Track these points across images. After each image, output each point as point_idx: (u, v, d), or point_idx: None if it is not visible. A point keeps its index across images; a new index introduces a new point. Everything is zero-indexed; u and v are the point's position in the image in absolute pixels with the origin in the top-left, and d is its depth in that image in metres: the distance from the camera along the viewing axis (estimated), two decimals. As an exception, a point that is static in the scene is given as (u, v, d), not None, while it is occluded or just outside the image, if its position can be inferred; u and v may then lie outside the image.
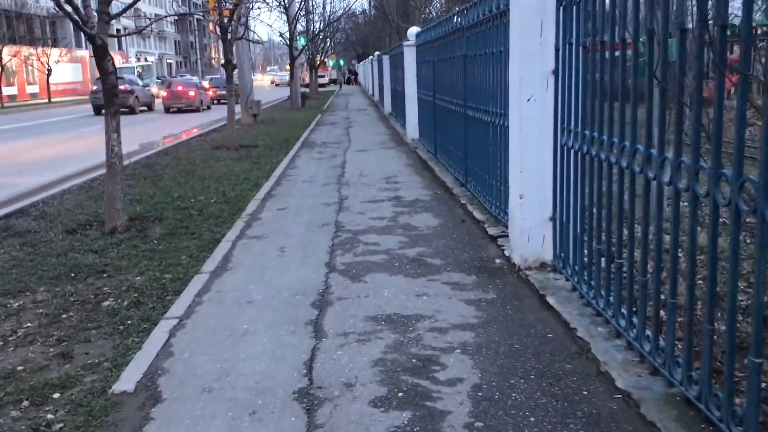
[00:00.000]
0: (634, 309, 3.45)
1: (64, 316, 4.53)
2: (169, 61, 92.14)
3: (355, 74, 73.48)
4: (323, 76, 65.07)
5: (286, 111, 28.20)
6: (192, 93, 30.44)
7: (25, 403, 3.34)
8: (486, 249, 5.69)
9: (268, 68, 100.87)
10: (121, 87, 30.18)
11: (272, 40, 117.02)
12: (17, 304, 4.81)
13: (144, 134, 19.43)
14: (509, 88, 5.15)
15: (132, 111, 28.85)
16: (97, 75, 7.23)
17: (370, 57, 40.33)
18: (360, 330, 4.02)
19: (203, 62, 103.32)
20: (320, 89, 51.83)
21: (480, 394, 3.18)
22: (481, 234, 6.18)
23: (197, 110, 30.27)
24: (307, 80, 48.68)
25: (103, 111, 7.22)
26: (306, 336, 3.97)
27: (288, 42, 29.84)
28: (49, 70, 47.56)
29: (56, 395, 3.41)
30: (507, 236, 5.70)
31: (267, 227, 6.87)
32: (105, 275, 5.45)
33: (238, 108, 18.76)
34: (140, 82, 33.69)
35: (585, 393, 3.15)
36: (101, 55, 6.92)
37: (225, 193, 9.07)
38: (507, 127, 5.65)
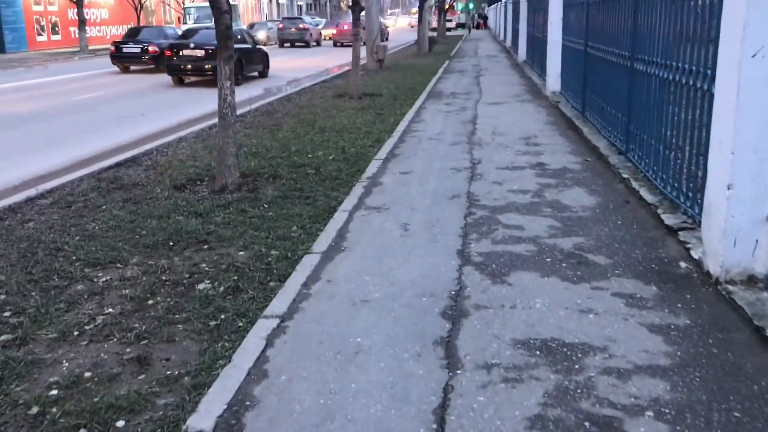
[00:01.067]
0: None
1: (150, 301, 3.85)
2: (299, 3, 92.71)
3: (485, 18, 70.50)
4: (450, 20, 62.83)
5: (412, 56, 27.04)
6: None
7: (82, 431, 2.66)
8: (664, 245, 4.47)
9: (389, 11, 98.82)
10: (301, 25, 38.89)
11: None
12: (104, 279, 4.21)
13: (323, 62, 25.14)
14: (721, 37, 3.84)
15: (307, 45, 37.52)
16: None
17: (504, 0, 38.04)
18: (507, 362, 3.03)
19: (333, 5, 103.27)
20: (447, 33, 49.97)
21: (697, 504, 2.14)
22: (653, 222, 4.94)
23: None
24: (434, 24, 46.96)
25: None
26: (435, 364, 3.04)
27: (418, -17, 28.41)
28: (185, 10, 48.79)
29: (120, 423, 2.70)
30: (691, 229, 4.47)
31: (388, 195, 5.95)
32: (206, 246, 4.77)
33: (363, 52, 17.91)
34: (311, 21, 41.86)
35: None
36: (214, -8, 6.16)
37: (344, 149, 8.24)
38: (706, 89, 4.35)
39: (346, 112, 11.52)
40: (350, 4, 13.66)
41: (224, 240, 4.88)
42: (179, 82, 17.85)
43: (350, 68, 14.51)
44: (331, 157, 7.75)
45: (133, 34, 22.55)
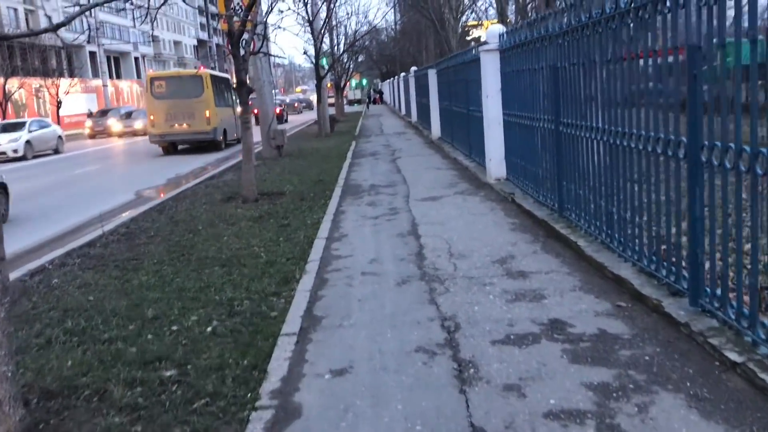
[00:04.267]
0: None
1: None
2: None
3: (380, 93, 70.11)
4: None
5: (313, 138, 24.51)
6: (278, 110, 42.21)
7: None
8: None
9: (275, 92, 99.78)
10: (277, 110, 38.59)
11: (292, 62, 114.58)
12: None
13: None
14: None
15: (284, 121, 41.26)
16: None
17: (402, 74, 36.67)
18: None
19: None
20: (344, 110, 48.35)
21: None
22: None
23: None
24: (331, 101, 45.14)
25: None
26: None
27: (313, 60, 26.22)
28: (59, 102, 44.56)
29: None
30: None
31: (319, 455, 2.97)
32: None
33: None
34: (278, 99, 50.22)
35: None
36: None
37: (233, 304, 5.25)
38: None
39: (239, 225, 8.55)
40: (235, 85, 10.86)
41: None
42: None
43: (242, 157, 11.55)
44: (209, 330, 4.73)
45: None
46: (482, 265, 5.84)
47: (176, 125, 21.88)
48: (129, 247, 7.73)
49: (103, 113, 40.19)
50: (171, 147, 22.91)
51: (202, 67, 46.38)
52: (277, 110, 41.49)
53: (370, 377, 3.68)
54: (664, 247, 4.60)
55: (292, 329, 4.51)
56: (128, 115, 38.41)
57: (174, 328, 4.83)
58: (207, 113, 21.85)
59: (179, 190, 12.60)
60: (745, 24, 3.40)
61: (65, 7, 47.75)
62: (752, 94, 3.29)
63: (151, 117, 22.21)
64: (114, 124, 37.29)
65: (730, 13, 3.64)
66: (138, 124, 35.69)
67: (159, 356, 4.26)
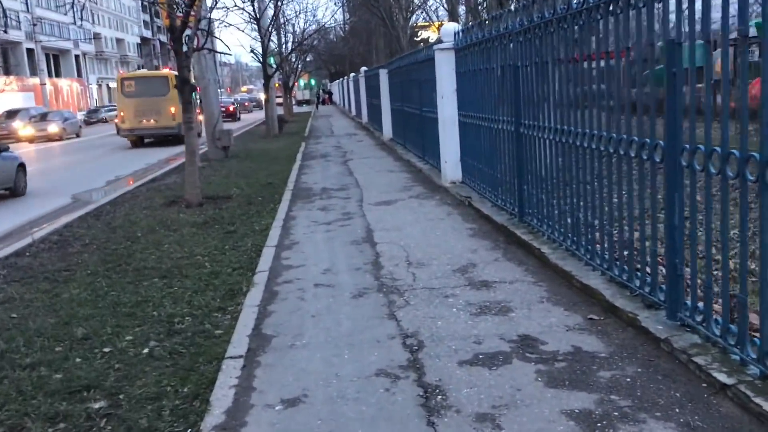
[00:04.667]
0: None
1: None
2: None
3: (330, 94, 69.53)
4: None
5: (261, 139, 23.91)
6: (231, 108, 43.44)
7: None
8: None
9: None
10: (231, 108, 42.77)
11: (239, 61, 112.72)
12: None
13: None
14: None
15: (237, 119, 42.68)
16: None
17: (352, 74, 36.27)
18: None
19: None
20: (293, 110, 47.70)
21: None
22: None
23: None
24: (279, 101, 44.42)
25: None
26: None
27: (261, 59, 25.57)
28: (-8, 100, 42.62)
29: None
30: None
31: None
32: None
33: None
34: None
35: None
36: None
37: (173, 321, 4.78)
38: None
39: (181, 231, 8.02)
40: (177, 84, 10.30)
41: None
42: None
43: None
44: (145, 351, 4.26)
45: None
46: (442, 274, 5.51)
47: (144, 121, 24.05)
48: (61, 256, 7.13)
49: (10, 115, 34.24)
50: (139, 140, 24.93)
51: (167, 68, 48.96)
52: (231, 108, 42.46)
53: (326, 408, 3.28)
54: (637, 252, 4.35)
55: (239, 351, 4.08)
56: (42, 117, 33.01)
57: (106, 349, 4.34)
58: (172, 110, 23.38)
59: (118, 193, 11.90)
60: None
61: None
62: (743, 94, 3.03)
63: (122, 113, 24.34)
64: (22, 127, 31.56)
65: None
66: (53, 128, 31.47)
67: (87, 384, 3.78)
